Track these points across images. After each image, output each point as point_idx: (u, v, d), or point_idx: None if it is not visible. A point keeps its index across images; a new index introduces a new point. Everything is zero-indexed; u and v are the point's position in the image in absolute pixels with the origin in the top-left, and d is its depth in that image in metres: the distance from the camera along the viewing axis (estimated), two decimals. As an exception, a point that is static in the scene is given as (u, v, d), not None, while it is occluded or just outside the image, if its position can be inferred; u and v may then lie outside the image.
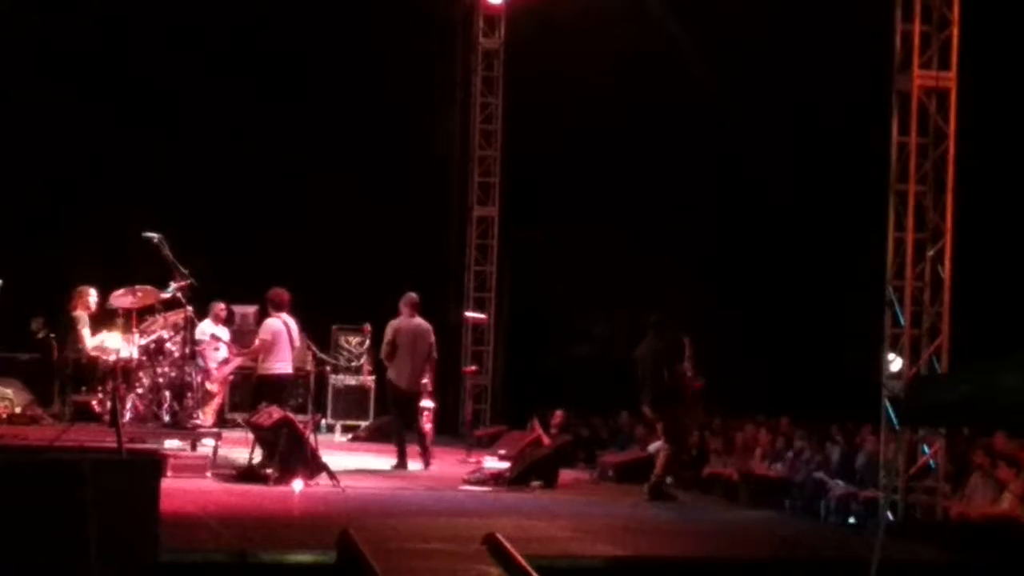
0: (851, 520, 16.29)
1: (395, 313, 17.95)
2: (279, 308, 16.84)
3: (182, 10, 22.92)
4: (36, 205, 22.56)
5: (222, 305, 18.75)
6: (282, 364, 16.78)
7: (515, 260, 24.64)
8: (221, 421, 18.04)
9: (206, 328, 18.14)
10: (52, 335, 17.90)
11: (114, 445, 12.84)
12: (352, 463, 17.76)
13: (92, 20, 22.71)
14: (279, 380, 16.85)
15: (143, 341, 16.89)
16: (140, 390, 16.80)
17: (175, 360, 16.92)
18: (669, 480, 16.30)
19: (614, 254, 22.23)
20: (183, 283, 16.83)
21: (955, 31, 15.61)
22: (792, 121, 20.65)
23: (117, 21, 22.81)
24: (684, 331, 16.37)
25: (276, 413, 15.85)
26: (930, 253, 15.54)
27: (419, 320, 17.74)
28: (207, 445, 16.75)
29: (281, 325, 16.78)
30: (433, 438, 19.98)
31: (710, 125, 21.97)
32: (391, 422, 18.47)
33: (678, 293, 21.87)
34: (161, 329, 17.06)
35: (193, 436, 16.84)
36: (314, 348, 19.54)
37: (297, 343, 16.91)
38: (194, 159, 23.34)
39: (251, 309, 20.63)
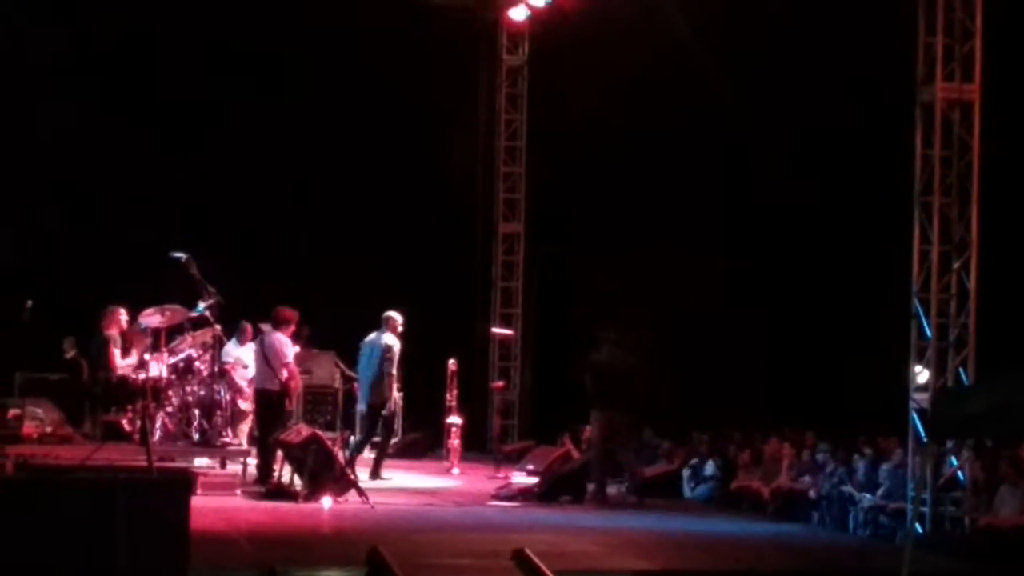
0: (879, 533, 16.26)
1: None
2: (275, 326, 16.99)
3: (210, 29, 23.00)
4: (64, 225, 22.66)
5: (246, 325, 18.77)
6: (259, 379, 16.95)
7: (541, 276, 24.66)
8: (251, 439, 18.09)
9: (231, 349, 18.16)
10: (82, 355, 18.01)
11: (144, 464, 13.00)
12: (381, 480, 17.85)
13: (119, 38, 22.80)
14: (258, 396, 17.02)
15: (172, 360, 17.00)
16: (169, 409, 16.92)
17: (204, 379, 17.04)
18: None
19: (639, 269, 22.21)
20: (211, 302, 16.93)
21: (978, 43, 15.60)
22: (816, 135, 20.61)
23: (142, 40, 22.90)
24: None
25: (305, 431, 15.92)
26: (956, 265, 15.52)
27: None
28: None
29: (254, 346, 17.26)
30: (461, 453, 20.10)
31: (733, 141, 21.97)
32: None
33: (703, 305, 21.87)
34: (190, 348, 17.16)
35: (222, 454, 16.94)
36: (342, 366, 19.60)
37: (275, 358, 16.67)
38: (224, 179, 23.40)
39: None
